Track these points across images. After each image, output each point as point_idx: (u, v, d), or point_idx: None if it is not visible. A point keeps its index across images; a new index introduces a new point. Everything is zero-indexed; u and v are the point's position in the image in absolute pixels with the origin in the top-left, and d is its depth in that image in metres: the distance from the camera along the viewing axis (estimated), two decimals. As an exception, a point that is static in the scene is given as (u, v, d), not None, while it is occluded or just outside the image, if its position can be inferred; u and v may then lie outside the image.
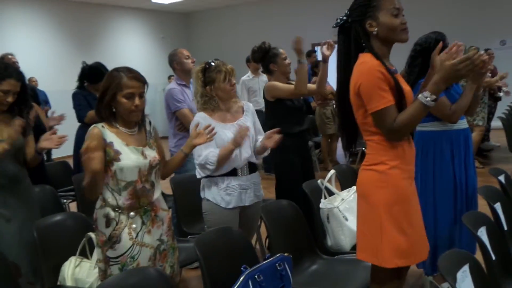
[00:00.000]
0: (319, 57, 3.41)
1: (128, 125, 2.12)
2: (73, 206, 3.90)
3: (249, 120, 2.68)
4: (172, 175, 2.79)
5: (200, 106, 2.62)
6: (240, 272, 1.97)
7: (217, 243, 2.16)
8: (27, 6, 9.81)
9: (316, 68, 6.20)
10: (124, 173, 2.05)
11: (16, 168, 2.60)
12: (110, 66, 2.40)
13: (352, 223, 2.71)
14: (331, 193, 2.93)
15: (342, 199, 2.87)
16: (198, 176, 2.62)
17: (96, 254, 2.16)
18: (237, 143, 2.46)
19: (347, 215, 2.78)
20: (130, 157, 2.06)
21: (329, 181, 2.97)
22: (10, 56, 4.58)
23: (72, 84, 4.31)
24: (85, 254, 2.38)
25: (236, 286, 1.92)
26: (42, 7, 10.08)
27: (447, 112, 2.68)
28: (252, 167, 2.65)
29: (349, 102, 1.93)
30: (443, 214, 2.81)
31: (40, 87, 8.20)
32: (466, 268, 1.64)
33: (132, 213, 2.07)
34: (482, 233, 2.04)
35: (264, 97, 3.46)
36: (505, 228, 2.39)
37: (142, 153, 2.11)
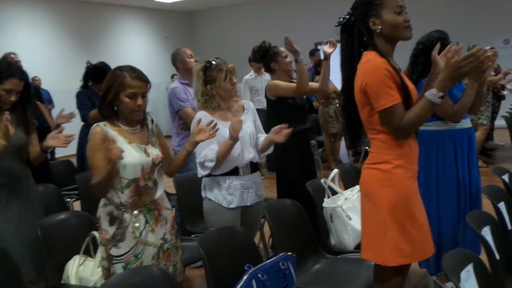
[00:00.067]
0: (322, 56, 3.41)
1: (130, 124, 2.13)
2: (76, 205, 3.90)
3: (250, 118, 2.67)
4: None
5: (201, 104, 2.60)
6: (244, 271, 1.97)
7: (220, 242, 2.16)
8: (30, 5, 9.83)
9: (319, 67, 6.18)
10: (127, 171, 2.05)
11: (19, 167, 2.60)
12: (113, 65, 2.40)
13: (355, 222, 2.71)
14: (334, 192, 2.93)
15: (346, 198, 2.86)
16: (199, 175, 2.62)
17: (100, 252, 2.17)
18: (234, 136, 2.42)
19: (351, 214, 2.77)
20: (133, 154, 2.07)
21: (332, 180, 2.97)
22: (12, 56, 4.58)
23: (75, 83, 4.32)
24: (89, 253, 2.38)
25: (239, 285, 1.92)
26: (44, 6, 10.10)
27: (450, 112, 2.68)
28: (253, 167, 2.65)
29: (354, 100, 1.93)
30: (446, 213, 2.80)
31: (43, 86, 8.23)
32: (470, 267, 1.64)
33: (135, 212, 2.08)
34: (486, 232, 2.03)
35: (265, 96, 3.46)
36: (509, 227, 2.37)
37: (145, 151, 2.11)
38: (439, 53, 2.10)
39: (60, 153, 7.34)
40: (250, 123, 2.64)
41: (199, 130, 2.24)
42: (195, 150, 2.42)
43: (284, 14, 11.88)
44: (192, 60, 3.77)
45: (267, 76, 4.49)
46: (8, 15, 9.44)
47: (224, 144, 2.45)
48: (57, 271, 2.38)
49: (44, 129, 3.07)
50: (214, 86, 2.55)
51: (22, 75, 2.58)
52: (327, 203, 2.85)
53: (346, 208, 2.80)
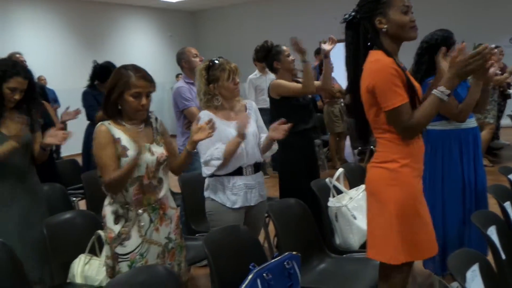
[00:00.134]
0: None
1: (134, 122, 2.13)
2: (82, 204, 3.92)
3: (252, 118, 2.67)
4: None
5: (203, 104, 2.59)
6: (249, 271, 1.97)
7: (225, 241, 2.16)
8: (35, 5, 9.86)
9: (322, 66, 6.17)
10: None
11: (24, 165, 2.61)
12: (118, 65, 2.40)
13: (360, 221, 2.71)
14: (339, 192, 2.92)
15: (351, 198, 2.86)
16: (204, 175, 2.61)
17: (105, 250, 2.17)
18: (241, 133, 2.40)
19: (356, 213, 2.77)
20: None
21: (338, 179, 2.96)
22: (18, 55, 4.59)
23: (80, 83, 4.33)
24: (94, 252, 2.39)
25: (244, 285, 1.92)
26: (49, 6, 10.13)
27: (455, 111, 2.67)
28: (256, 166, 2.64)
29: (360, 100, 1.93)
30: (451, 213, 2.79)
31: (49, 85, 8.25)
32: (475, 267, 1.63)
33: (140, 211, 2.08)
34: (492, 232, 2.03)
35: (269, 95, 3.46)
36: (515, 227, 2.36)
37: (149, 150, 2.12)
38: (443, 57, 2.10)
39: (65, 152, 7.37)
40: (252, 123, 2.63)
41: (198, 129, 2.20)
42: (199, 149, 2.41)
43: (288, 14, 11.83)
44: (197, 59, 3.77)
45: (271, 76, 4.48)
46: (13, 15, 9.48)
47: (232, 142, 2.44)
48: (63, 270, 2.39)
49: (49, 127, 3.08)
50: (217, 85, 2.54)
51: (27, 74, 2.59)
52: (332, 202, 2.85)
53: (351, 207, 2.80)
